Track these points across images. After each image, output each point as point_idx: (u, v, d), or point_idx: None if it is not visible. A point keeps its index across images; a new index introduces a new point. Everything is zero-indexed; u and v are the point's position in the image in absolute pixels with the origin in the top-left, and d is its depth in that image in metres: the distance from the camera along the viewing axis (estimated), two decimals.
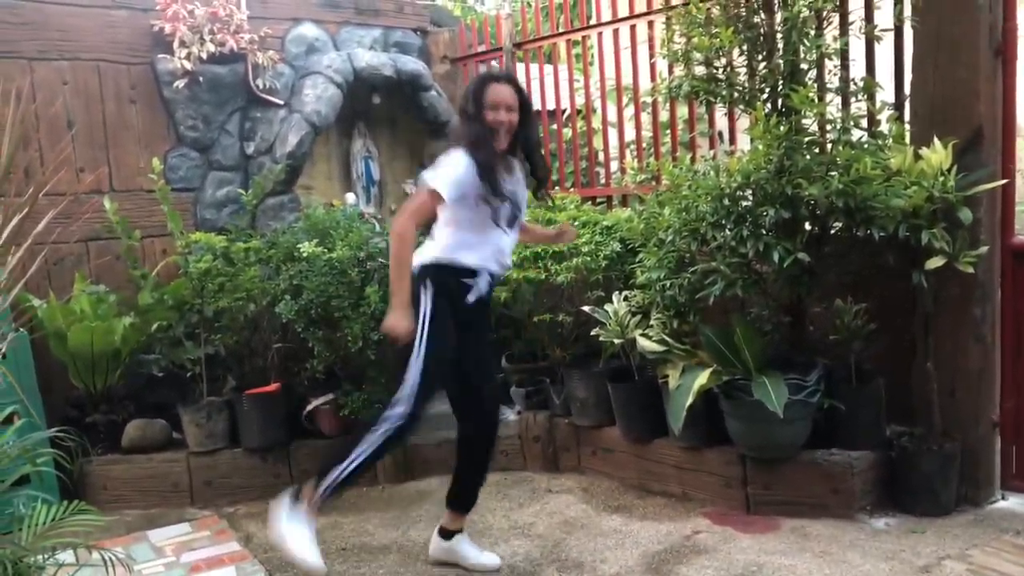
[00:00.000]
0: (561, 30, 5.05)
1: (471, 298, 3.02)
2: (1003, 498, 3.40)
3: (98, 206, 4.27)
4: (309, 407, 4.21)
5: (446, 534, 3.23)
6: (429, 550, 3.28)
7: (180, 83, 4.54)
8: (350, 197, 5.16)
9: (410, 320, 2.88)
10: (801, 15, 3.32)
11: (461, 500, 3.24)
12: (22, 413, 3.25)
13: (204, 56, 4.52)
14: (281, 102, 4.86)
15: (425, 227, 3.10)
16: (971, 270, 3.10)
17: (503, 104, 2.95)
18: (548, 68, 5.25)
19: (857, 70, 3.62)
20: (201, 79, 4.60)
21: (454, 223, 3.00)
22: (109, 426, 4.19)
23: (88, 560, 2.14)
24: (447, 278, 3.01)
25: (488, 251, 3.03)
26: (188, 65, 4.50)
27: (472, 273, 3.02)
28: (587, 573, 3.09)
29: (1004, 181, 3.24)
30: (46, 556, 2.11)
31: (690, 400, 3.30)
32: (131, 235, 4.36)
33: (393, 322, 2.86)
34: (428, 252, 3.03)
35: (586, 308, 3.99)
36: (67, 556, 2.14)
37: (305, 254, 4.01)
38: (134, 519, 3.94)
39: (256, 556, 3.44)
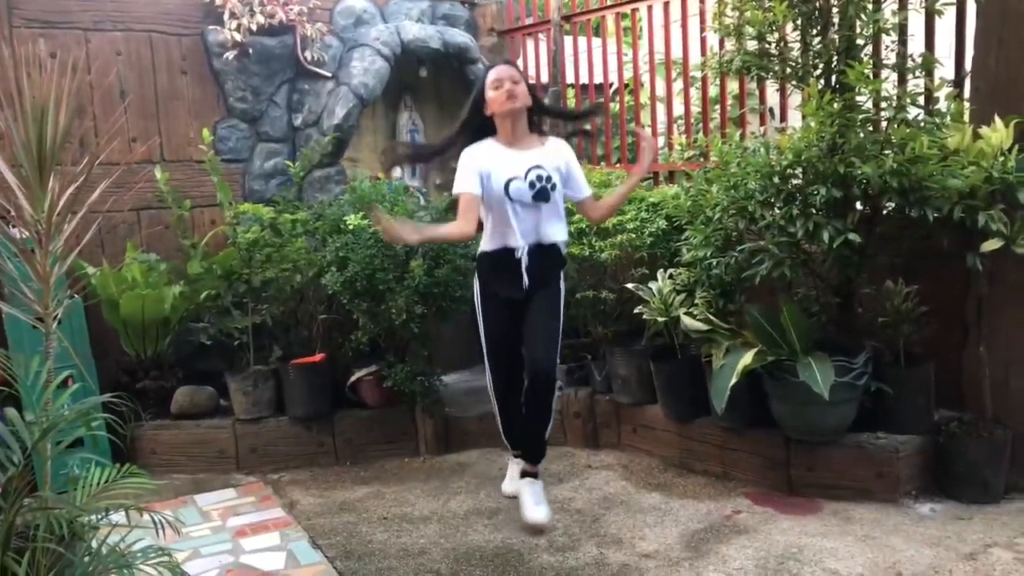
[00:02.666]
0: (610, 3, 4.98)
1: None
2: None
3: (150, 176, 4.34)
4: (353, 378, 4.26)
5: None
6: None
7: (230, 54, 4.58)
8: (396, 170, 5.17)
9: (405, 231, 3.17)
10: None
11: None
12: (76, 378, 3.33)
13: (254, 28, 4.55)
14: (329, 74, 4.87)
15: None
16: None
17: (505, 78, 3.20)
18: (596, 41, 5.19)
19: (916, 45, 3.52)
20: (250, 51, 4.64)
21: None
22: (159, 392, 4.29)
23: (139, 522, 2.19)
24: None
25: (507, 229, 3.26)
26: (238, 36, 4.53)
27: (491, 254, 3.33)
28: (626, 549, 3.10)
29: None
30: (100, 516, 2.17)
31: (734, 380, 3.27)
32: (181, 205, 4.43)
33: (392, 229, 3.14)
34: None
35: (630, 285, 3.96)
36: (119, 517, 2.20)
37: (351, 226, 4.04)
38: (182, 483, 4.04)
39: (300, 522, 3.51)
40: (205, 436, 4.21)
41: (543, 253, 3.29)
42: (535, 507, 3.33)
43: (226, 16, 4.53)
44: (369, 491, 3.84)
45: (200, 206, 4.67)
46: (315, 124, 4.87)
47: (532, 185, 3.21)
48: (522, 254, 3.25)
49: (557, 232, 3.32)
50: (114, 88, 4.44)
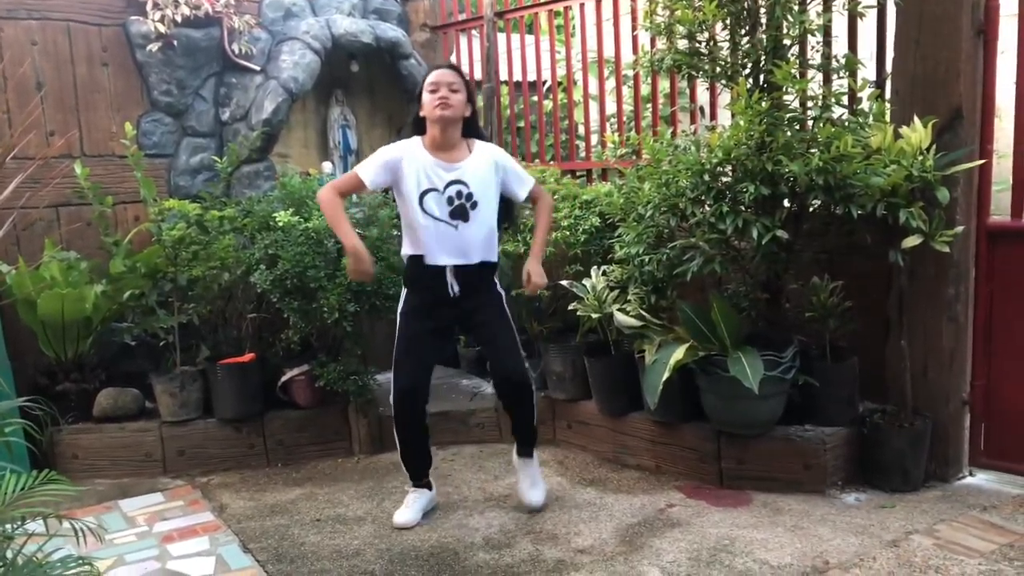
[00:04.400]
0: (543, 0, 4.99)
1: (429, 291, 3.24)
2: (971, 474, 3.46)
3: (69, 171, 4.18)
4: (284, 378, 4.18)
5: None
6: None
7: (154, 46, 4.44)
8: (327, 166, 5.10)
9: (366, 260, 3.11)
10: None
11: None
12: None
13: (178, 19, 4.42)
14: (257, 68, 4.77)
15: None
16: (946, 249, 3.12)
17: (443, 84, 3.12)
18: (529, 39, 5.20)
19: (840, 47, 3.62)
20: (175, 43, 4.50)
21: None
22: (80, 395, 4.14)
23: (59, 530, 2.11)
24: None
25: (424, 243, 3.17)
26: (162, 28, 4.39)
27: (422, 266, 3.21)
28: (561, 545, 3.11)
29: (982, 161, 3.26)
30: (15, 526, 2.08)
31: (666, 375, 3.31)
32: (103, 201, 4.28)
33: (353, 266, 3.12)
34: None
35: (564, 282, 3.98)
36: (37, 526, 2.11)
37: (281, 223, 3.96)
38: (106, 489, 3.91)
39: (230, 526, 3.43)
40: (130, 439, 4.07)
41: (468, 272, 3.21)
42: (531, 490, 3.42)
43: (149, 6, 4.39)
44: (301, 493, 3.78)
45: (123, 202, 4.52)
46: (243, 119, 4.76)
47: (450, 201, 3.12)
48: (446, 273, 3.17)
49: (482, 253, 3.22)
50: (29, 79, 4.26)
